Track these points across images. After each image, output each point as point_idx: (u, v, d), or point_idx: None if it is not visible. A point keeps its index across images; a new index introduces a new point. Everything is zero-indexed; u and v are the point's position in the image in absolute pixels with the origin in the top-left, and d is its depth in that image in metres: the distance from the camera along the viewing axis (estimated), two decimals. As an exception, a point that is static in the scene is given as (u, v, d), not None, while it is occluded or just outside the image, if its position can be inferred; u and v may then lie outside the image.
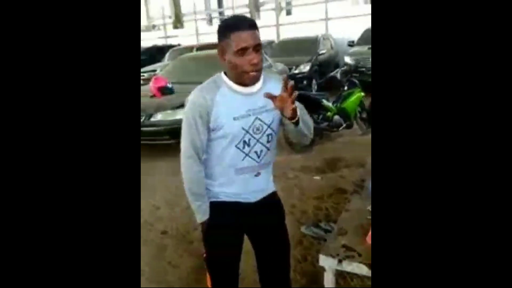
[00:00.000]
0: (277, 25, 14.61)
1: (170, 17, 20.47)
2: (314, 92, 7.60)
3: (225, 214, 1.66)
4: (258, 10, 17.01)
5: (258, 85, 1.55)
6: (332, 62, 10.70)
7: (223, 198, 1.66)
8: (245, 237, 1.78)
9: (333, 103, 5.50)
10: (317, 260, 1.79)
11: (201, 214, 1.65)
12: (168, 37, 18.40)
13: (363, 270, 1.61)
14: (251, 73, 1.47)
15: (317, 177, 4.37)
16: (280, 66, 8.22)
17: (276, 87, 1.50)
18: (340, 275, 2.29)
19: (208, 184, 1.65)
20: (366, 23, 10.42)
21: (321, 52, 9.69)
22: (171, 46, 13.76)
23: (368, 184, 2.29)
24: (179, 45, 14.17)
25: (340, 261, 1.65)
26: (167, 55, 12.04)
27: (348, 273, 2.09)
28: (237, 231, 1.73)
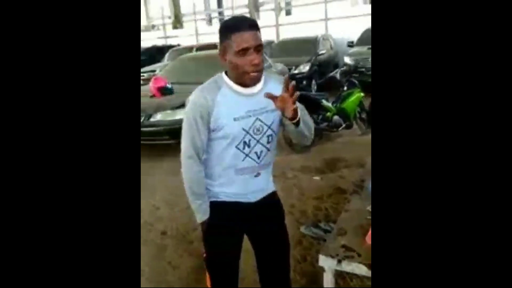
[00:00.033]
0: (277, 25, 14.61)
1: (169, 17, 20.46)
2: (313, 92, 7.59)
3: (225, 214, 1.66)
4: (257, 10, 17.01)
5: (259, 85, 1.55)
6: (331, 63, 10.71)
7: (223, 198, 1.66)
8: (245, 237, 1.78)
9: (332, 103, 5.51)
10: (317, 260, 1.79)
11: (201, 214, 1.65)
12: (168, 37, 18.40)
13: (363, 270, 1.61)
14: (252, 74, 1.47)
15: (317, 177, 4.38)
16: (280, 66, 8.22)
17: (277, 87, 1.50)
18: (340, 276, 2.29)
19: (208, 184, 1.65)
20: (365, 23, 10.44)
21: (320, 52, 9.69)
22: (170, 46, 13.77)
23: (368, 184, 2.29)
24: (178, 45, 14.18)
25: (339, 261, 1.65)
26: (166, 55, 12.04)
27: (348, 273, 2.09)
28: (237, 231, 1.73)
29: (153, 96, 5.98)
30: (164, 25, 19.67)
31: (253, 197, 1.69)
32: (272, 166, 1.73)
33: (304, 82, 8.66)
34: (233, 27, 1.46)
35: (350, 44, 10.45)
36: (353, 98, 5.58)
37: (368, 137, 5.24)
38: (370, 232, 1.73)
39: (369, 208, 2.00)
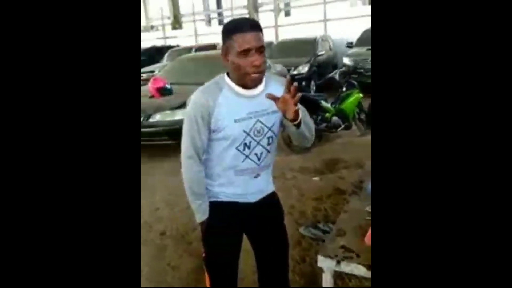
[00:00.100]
0: (276, 26, 14.61)
1: (168, 18, 20.44)
2: (312, 93, 7.60)
3: (224, 214, 1.67)
4: (257, 11, 17.00)
5: (260, 87, 1.56)
6: (330, 63, 10.71)
7: (223, 198, 1.67)
8: (245, 237, 1.79)
9: (331, 104, 5.51)
10: (316, 261, 1.79)
11: (201, 214, 1.65)
12: (167, 37, 18.39)
13: (362, 271, 1.61)
14: (253, 75, 1.47)
15: (316, 178, 4.38)
16: (279, 67, 8.23)
17: (278, 89, 1.50)
18: (339, 276, 2.30)
19: (208, 184, 1.66)
20: (364, 24, 10.45)
21: (319, 53, 9.70)
22: (170, 47, 13.77)
23: (366, 185, 2.29)
24: (178, 46, 14.18)
25: (338, 262, 1.65)
26: (166, 55, 12.04)
27: (347, 274, 2.09)
28: (236, 231, 1.73)
29: (152, 96, 5.97)
30: (163, 25, 19.65)
31: (253, 198, 1.70)
32: (272, 167, 1.74)
33: (303, 83, 8.66)
34: (236, 28, 1.46)
35: (349, 45, 10.45)
36: (352, 99, 5.59)
37: (367, 138, 5.25)
38: (368, 233, 1.73)
39: (368, 208, 2.00)
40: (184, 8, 20.16)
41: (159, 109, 5.57)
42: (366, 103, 5.82)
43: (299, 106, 1.48)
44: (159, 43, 16.36)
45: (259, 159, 1.62)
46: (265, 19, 14.98)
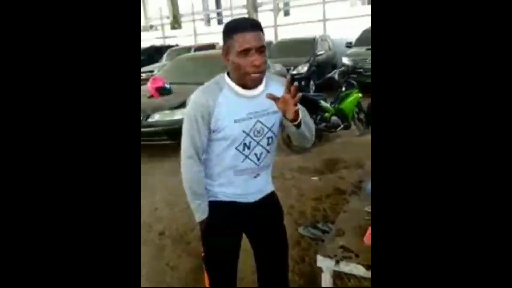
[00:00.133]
0: (275, 26, 14.61)
1: (168, 17, 20.43)
2: (312, 93, 7.60)
3: (224, 213, 1.67)
4: (256, 10, 17.00)
5: (260, 87, 1.55)
6: (330, 63, 10.72)
7: (222, 197, 1.67)
8: (245, 237, 1.78)
9: (330, 104, 5.52)
10: (315, 261, 1.79)
11: (200, 213, 1.65)
12: (166, 37, 18.38)
13: (361, 271, 1.61)
14: (253, 75, 1.47)
15: (315, 178, 4.38)
16: (278, 67, 8.23)
17: (278, 89, 1.50)
18: (338, 276, 2.30)
19: (207, 183, 1.66)
20: (364, 24, 10.45)
21: (319, 53, 9.70)
22: (169, 47, 13.76)
23: (366, 185, 2.29)
24: (177, 45, 14.17)
25: (337, 262, 1.65)
26: (165, 55, 12.03)
27: (346, 273, 2.09)
28: (235, 230, 1.73)
29: (151, 96, 5.97)
30: (162, 25, 19.65)
31: (252, 198, 1.70)
32: (271, 167, 1.74)
33: (303, 83, 8.67)
34: (236, 27, 1.46)
35: (349, 45, 10.46)
36: (351, 98, 5.60)
37: (367, 137, 5.26)
38: (367, 233, 1.73)
39: (367, 208, 2.00)
40: (183, 7, 20.15)
41: (158, 109, 5.57)
42: (365, 103, 5.83)
43: (299, 106, 1.48)
44: (158, 42, 16.34)
45: (258, 159, 1.62)
46: (264, 18, 14.97)
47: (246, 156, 1.59)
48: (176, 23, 20.35)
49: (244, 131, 1.55)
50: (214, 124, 1.53)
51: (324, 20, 13.57)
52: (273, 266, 1.81)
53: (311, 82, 9.09)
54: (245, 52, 1.43)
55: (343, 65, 9.36)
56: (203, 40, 14.73)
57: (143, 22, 20.82)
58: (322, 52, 10.06)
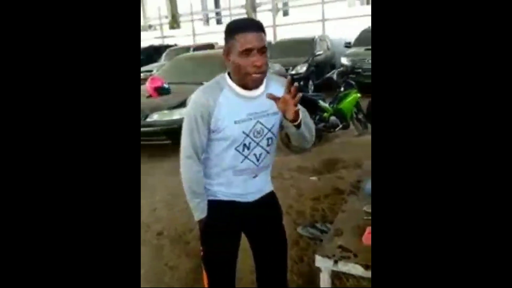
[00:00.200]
0: (274, 26, 14.60)
1: (166, 17, 20.42)
2: (310, 93, 7.61)
3: (223, 213, 1.67)
4: (255, 10, 16.99)
5: (260, 88, 1.55)
6: (328, 63, 10.72)
7: (221, 197, 1.67)
8: (243, 236, 1.78)
9: (329, 104, 5.53)
10: (313, 261, 1.79)
11: (199, 212, 1.65)
12: (165, 37, 18.36)
13: (359, 270, 1.62)
14: (254, 75, 1.47)
15: (314, 178, 4.38)
16: (277, 67, 8.23)
17: (278, 90, 1.50)
18: (336, 276, 2.30)
19: (206, 183, 1.66)
20: (363, 24, 10.46)
21: (317, 53, 9.71)
22: (167, 46, 13.74)
23: (364, 185, 2.30)
24: (175, 45, 14.15)
25: (336, 262, 1.66)
26: (163, 55, 12.03)
27: (344, 273, 2.09)
28: (234, 229, 1.73)
29: (150, 96, 5.96)
30: (161, 25, 19.63)
31: (251, 197, 1.70)
32: (271, 167, 1.74)
33: (301, 83, 8.68)
34: (238, 27, 1.46)
35: (347, 45, 10.46)
36: (350, 98, 5.60)
37: (365, 137, 5.27)
38: (366, 233, 1.74)
39: (366, 208, 2.01)
40: (182, 7, 20.14)
41: (157, 108, 5.56)
42: (364, 103, 5.83)
43: (300, 107, 1.48)
44: (157, 42, 16.33)
45: (258, 160, 1.62)
46: (263, 18, 14.97)
47: (246, 157, 1.59)
48: (174, 22, 20.33)
49: (244, 132, 1.55)
50: (214, 124, 1.53)
51: (323, 20, 13.56)
52: (272, 266, 1.82)
53: (310, 82, 9.09)
54: (247, 52, 1.43)
55: (342, 65, 9.36)
56: (202, 40, 14.70)
57: (142, 22, 20.79)
58: (321, 52, 10.06)
